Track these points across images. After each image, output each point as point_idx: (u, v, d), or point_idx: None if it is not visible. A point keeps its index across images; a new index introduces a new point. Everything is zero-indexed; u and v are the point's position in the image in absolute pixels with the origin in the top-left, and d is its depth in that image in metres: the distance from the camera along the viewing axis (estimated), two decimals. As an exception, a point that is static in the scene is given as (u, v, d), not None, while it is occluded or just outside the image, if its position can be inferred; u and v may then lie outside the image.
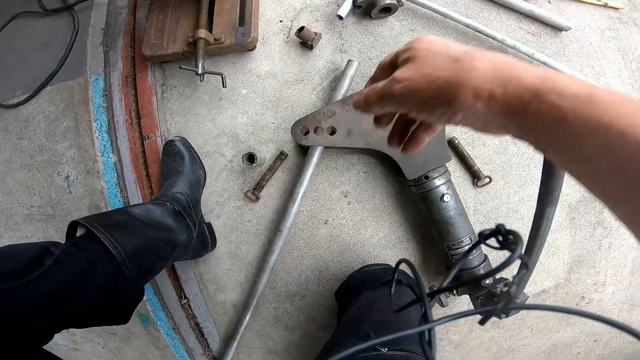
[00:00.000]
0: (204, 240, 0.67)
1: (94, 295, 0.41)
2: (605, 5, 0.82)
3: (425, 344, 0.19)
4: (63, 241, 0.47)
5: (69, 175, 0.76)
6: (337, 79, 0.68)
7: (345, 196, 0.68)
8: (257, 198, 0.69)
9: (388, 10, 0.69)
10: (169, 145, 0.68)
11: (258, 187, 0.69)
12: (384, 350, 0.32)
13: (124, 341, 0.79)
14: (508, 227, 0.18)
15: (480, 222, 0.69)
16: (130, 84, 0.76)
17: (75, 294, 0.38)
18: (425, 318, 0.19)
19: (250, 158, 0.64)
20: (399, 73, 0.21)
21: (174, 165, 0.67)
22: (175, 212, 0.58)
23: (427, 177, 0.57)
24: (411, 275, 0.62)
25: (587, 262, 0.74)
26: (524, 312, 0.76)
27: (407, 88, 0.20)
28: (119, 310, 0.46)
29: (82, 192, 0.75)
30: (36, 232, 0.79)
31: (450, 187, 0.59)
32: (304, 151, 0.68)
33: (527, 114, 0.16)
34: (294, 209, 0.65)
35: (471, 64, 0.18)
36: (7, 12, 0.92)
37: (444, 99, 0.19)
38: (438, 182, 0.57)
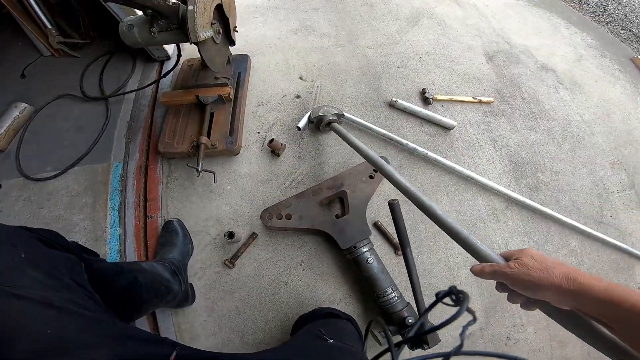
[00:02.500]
0: (187, 295, 0.91)
1: (120, 288, 0.61)
2: (480, 102, 1.28)
3: None
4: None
5: (77, 241, 1.00)
6: (295, 180, 1.03)
7: (301, 264, 0.97)
8: (233, 265, 0.96)
9: (331, 124, 1.08)
10: (169, 223, 0.96)
11: (234, 257, 0.96)
12: (331, 340, 0.53)
13: None
14: (458, 287, 0.26)
15: (405, 281, 0.97)
16: (143, 172, 1.07)
17: (110, 284, 0.59)
18: None
19: (231, 235, 0.93)
20: (512, 264, 0.40)
21: (171, 238, 0.94)
22: (171, 270, 0.84)
23: (355, 247, 0.88)
24: (347, 313, 0.86)
25: (500, 307, 1.00)
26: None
27: (514, 273, 0.39)
28: (131, 308, 0.64)
29: (88, 258, 0.99)
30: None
31: (373, 252, 0.89)
32: (270, 232, 0.98)
33: (579, 299, 0.35)
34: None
35: (553, 272, 0.36)
36: (54, 92, 1.25)
37: (533, 287, 0.38)
38: (363, 249, 0.88)
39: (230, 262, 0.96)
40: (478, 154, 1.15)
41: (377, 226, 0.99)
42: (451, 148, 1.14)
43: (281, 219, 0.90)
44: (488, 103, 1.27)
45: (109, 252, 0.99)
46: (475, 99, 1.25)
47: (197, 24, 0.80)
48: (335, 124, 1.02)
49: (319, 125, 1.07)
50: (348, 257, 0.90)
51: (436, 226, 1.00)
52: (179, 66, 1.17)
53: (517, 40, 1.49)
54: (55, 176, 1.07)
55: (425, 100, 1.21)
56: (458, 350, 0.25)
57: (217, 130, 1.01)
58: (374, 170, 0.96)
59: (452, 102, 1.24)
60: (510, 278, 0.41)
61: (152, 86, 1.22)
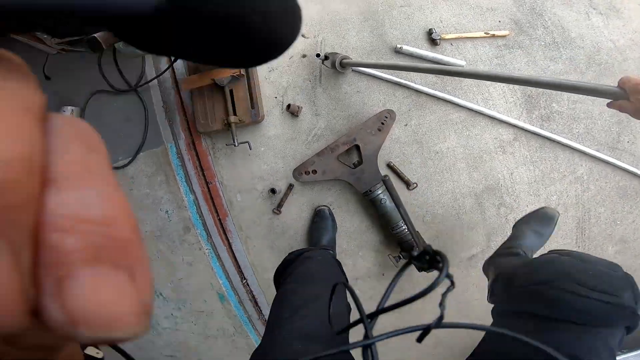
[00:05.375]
0: None
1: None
2: (493, 36, 1.27)
3: None
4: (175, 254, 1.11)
5: (167, 210, 1.44)
6: (315, 135, 1.27)
7: (331, 205, 1.29)
8: (280, 212, 1.32)
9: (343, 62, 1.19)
10: (321, 212, 1.23)
11: (279, 206, 1.31)
12: None
13: (208, 316, 1.49)
14: (434, 247, 0.25)
15: (417, 212, 1.25)
16: (192, 148, 1.40)
17: None
18: (366, 335, 0.25)
19: (273, 190, 1.26)
20: None
21: (324, 224, 1.22)
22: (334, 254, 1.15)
23: (370, 191, 1.16)
24: (371, 241, 1.20)
25: (500, 232, 1.27)
26: (468, 270, 1.31)
27: None
28: None
29: (177, 219, 1.43)
30: (152, 246, 1.47)
31: (386, 193, 1.17)
32: (301, 184, 1.29)
33: None
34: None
35: None
36: (83, 88, 1.44)
37: None
38: (377, 192, 1.15)
39: (278, 210, 1.32)
40: (488, 90, 1.23)
41: (390, 166, 1.24)
42: (460, 87, 1.23)
43: (309, 174, 1.19)
44: (503, 37, 1.25)
45: (191, 215, 1.41)
46: (488, 33, 1.23)
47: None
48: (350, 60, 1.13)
49: (334, 64, 1.14)
50: (366, 198, 1.19)
51: (443, 161, 1.22)
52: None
53: (545, -43, 1.32)
54: (129, 163, 1.44)
55: (433, 42, 1.25)
56: (438, 323, 0.24)
57: (240, 106, 1.25)
58: (382, 123, 1.15)
59: (462, 39, 1.25)
60: None
61: (168, 70, 1.44)
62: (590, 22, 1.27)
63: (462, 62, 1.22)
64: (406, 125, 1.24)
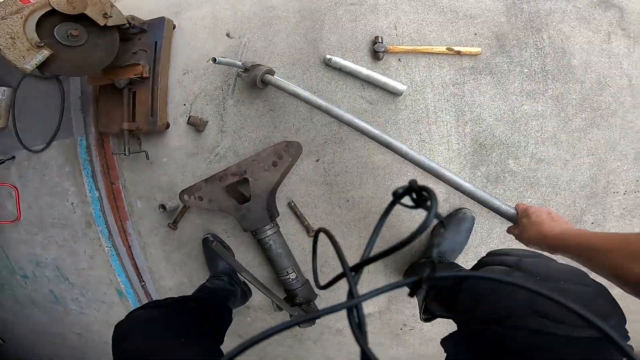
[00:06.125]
0: (244, 292, 1.19)
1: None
2: (458, 53, 0.92)
3: (355, 323, 0.21)
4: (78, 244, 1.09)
5: (73, 202, 1.38)
6: (218, 154, 1.12)
7: (226, 232, 1.17)
8: (176, 227, 1.22)
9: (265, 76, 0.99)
10: (206, 241, 1.16)
11: (175, 222, 1.21)
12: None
13: (109, 307, 1.47)
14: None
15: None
16: (101, 145, 1.30)
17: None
18: (350, 294, 0.22)
19: (163, 207, 1.15)
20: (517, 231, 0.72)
21: (214, 252, 1.14)
22: (229, 281, 1.11)
23: (256, 232, 1.01)
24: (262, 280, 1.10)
25: (402, 299, 1.11)
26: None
27: (519, 231, 0.71)
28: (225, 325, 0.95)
29: (81, 213, 1.37)
30: (59, 233, 1.43)
31: (274, 237, 1.02)
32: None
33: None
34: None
35: (529, 241, 0.66)
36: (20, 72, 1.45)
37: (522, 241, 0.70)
38: (263, 235, 1.01)
39: (173, 225, 1.22)
40: (429, 129, 0.99)
41: (291, 206, 1.08)
42: (394, 120, 1.00)
43: (195, 199, 1.06)
44: (471, 55, 0.95)
45: (94, 211, 1.34)
46: (452, 49, 0.95)
47: (12, 59, 0.78)
48: (270, 77, 0.95)
49: (254, 81, 0.97)
50: (254, 238, 1.05)
51: (353, 211, 1.05)
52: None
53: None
54: (44, 149, 1.38)
55: (375, 54, 1.01)
56: (431, 274, 0.23)
57: (141, 110, 1.11)
58: (278, 157, 0.98)
59: (416, 53, 0.99)
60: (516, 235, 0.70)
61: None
62: (608, 46, 0.93)
63: (403, 87, 0.96)
64: (318, 160, 1.06)
